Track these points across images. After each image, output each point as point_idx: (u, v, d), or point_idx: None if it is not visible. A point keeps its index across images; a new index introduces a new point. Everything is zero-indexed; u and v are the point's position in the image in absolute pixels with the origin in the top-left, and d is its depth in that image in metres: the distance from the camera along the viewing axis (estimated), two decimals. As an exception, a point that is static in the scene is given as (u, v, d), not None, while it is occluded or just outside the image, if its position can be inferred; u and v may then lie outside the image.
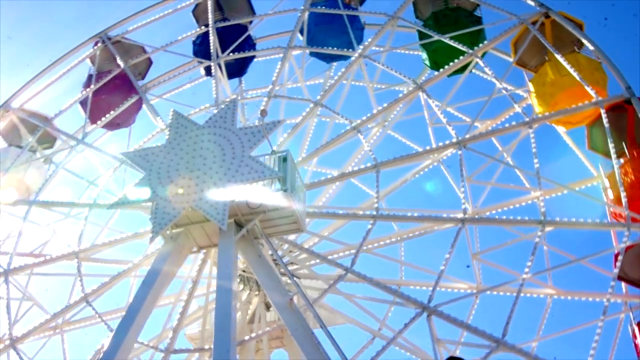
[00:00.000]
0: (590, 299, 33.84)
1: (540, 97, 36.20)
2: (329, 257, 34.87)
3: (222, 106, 35.58)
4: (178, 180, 32.52)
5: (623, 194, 31.21)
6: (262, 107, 37.18)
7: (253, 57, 43.80)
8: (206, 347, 33.84)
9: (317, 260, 35.52)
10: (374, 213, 33.12)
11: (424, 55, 40.13)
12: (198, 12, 44.13)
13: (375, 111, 36.60)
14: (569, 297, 34.56)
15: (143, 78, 43.92)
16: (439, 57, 39.01)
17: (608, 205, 33.13)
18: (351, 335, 39.35)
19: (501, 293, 34.79)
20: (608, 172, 34.20)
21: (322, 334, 29.75)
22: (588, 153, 36.00)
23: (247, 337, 33.85)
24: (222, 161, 32.61)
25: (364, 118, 36.13)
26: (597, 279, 35.07)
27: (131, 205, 34.18)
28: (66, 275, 37.89)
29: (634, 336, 31.82)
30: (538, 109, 36.21)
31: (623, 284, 32.69)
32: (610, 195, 33.53)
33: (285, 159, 32.93)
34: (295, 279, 34.27)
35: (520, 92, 37.99)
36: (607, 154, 33.98)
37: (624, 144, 33.76)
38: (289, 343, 37.35)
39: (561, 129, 36.94)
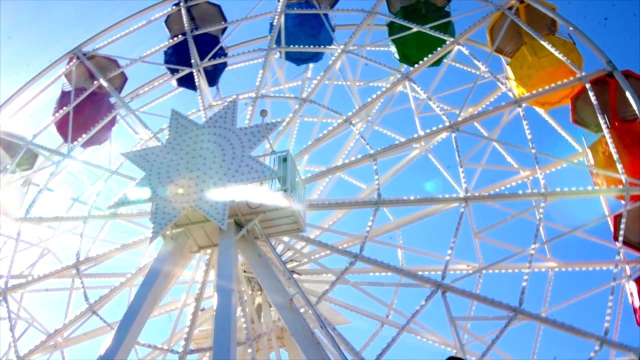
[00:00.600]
0: (591, 268, 34.79)
1: (518, 79, 37.17)
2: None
3: (218, 109, 35.63)
4: (178, 180, 32.62)
5: (617, 160, 32.01)
6: (249, 106, 37.59)
7: (225, 66, 44.16)
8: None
9: (322, 254, 35.71)
10: (377, 199, 33.51)
11: (394, 49, 40.75)
12: (170, 23, 44.21)
13: (364, 103, 37.02)
14: (570, 269, 35.36)
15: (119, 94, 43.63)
16: (408, 50, 39.88)
17: (594, 171, 33.98)
18: (353, 335, 39.79)
19: (503, 271, 35.56)
20: (591, 145, 35.28)
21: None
22: (570, 130, 37.21)
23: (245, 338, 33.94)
24: (222, 161, 32.78)
25: (355, 109, 36.61)
26: (590, 249, 36.28)
27: (131, 204, 33.82)
28: (64, 290, 37.39)
29: (631, 295, 32.44)
30: (517, 91, 37.23)
31: (620, 254, 33.26)
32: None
33: (285, 159, 33.16)
34: (296, 276, 34.52)
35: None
36: (591, 127, 35.15)
37: (606, 116, 34.81)
38: (289, 343, 37.26)
39: (540, 110, 38.01)
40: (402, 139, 36.73)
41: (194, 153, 33.03)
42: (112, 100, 43.42)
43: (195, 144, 33.27)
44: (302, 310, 31.02)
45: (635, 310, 32.20)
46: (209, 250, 34.18)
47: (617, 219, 32.29)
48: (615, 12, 74.85)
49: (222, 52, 44.30)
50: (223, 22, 44.06)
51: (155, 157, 33.35)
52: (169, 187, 32.48)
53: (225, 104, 35.37)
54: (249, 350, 31.79)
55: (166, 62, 44.21)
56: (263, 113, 33.83)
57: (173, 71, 43.60)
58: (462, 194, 33.16)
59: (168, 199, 32.25)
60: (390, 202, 33.90)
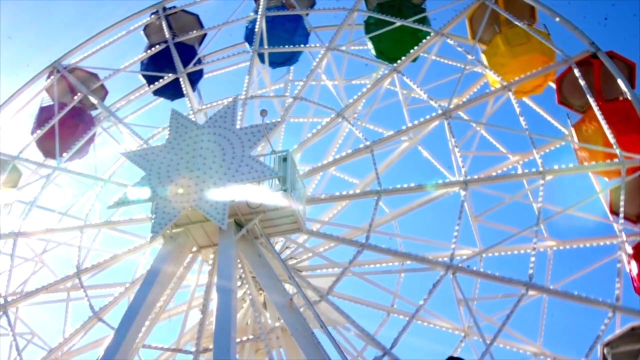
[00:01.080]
0: (588, 245, 35.52)
1: (492, 67, 37.71)
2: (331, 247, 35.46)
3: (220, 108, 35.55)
4: (178, 180, 32.57)
5: (611, 135, 32.83)
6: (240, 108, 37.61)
7: (201, 75, 44.19)
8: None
9: (322, 249, 35.89)
10: (378, 189, 33.83)
11: (370, 46, 41.17)
12: (148, 33, 44.16)
13: (356, 96, 37.40)
14: (569, 247, 36.05)
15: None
16: (383, 44, 40.35)
17: (578, 150, 34.84)
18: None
19: (503, 253, 36.15)
20: (574, 124, 36.15)
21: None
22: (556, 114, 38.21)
23: (250, 337, 33.94)
24: (222, 161, 32.79)
25: (350, 101, 37.01)
26: (583, 228, 37.02)
27: (131, 204, 33.62)
28: (63, 302, 37.05)
29: (629, 263, 33.00)
30: (490, 80, 38.09)
31: (615, 225, 34.04)
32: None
33: (285, 159, 33.29)
34: (296, 278, 34.54)
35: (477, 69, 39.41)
36: (576, 107, 36.08)
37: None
38: (289, 342, 37.18)
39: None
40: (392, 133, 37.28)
41: (194, 153, 33.01)
42: (94, 113, 43.24)
43: (196, 144, 33.24)
44: (302, 309, 31.12)
45: (633, 279, 32.89)
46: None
47: (612, 193, 33.12)
48: (615, 12, 75.64)
49: (199, 61, 44.30)
50: (202, 29, 43.98)
51: (155, 156, 33.28)
52: (169, 186, 32.42)
53: (224, 105, 35.29)
54: (264, 345, 31.63)
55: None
56: (263, 113, 33.86)
57: (151, 81, 43.43)
58: (461, 178, 33.64)
59: (168, 199, 32.18)
60: (391, 190, 34.19)
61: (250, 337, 34.45)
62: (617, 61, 34.97)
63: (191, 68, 41.81)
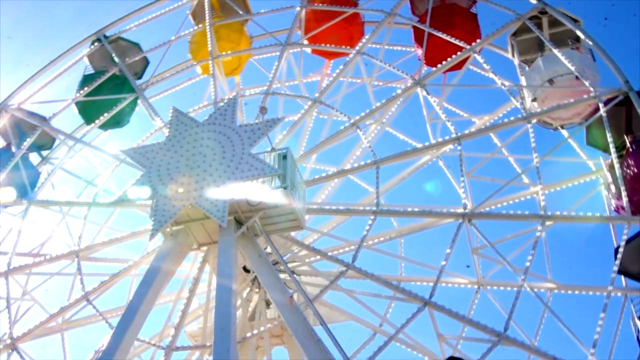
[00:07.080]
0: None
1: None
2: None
3: (222, 104, 35.38)
4: (178, 178, 32.49)
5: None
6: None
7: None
8: (207, 344, 33.61)
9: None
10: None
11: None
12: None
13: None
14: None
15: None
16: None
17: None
18: (352, 333, 39.56)
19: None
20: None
21: (322, 331, 29.85)
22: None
23: (247, 335, 33.98)
24: (222, 158, 32.59)
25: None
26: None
27: (131, 202, 33.96)
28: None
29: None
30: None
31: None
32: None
33: (285, 157, 32.89)
34: (295, 276, 34.40)
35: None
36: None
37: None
38: (289, 341, 37.24)
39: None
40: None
41: (194, 151, 32.93)
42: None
43: (196, 142, 33.15)
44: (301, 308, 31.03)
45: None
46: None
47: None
48: (615, 12, 73.55)
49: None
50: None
51: (155, 154, 33.30)
52: (170, 184, 32.40)
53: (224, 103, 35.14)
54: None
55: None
56: (262, 110, 33.54)
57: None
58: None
59: (168, 197, 32.19)
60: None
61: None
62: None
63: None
